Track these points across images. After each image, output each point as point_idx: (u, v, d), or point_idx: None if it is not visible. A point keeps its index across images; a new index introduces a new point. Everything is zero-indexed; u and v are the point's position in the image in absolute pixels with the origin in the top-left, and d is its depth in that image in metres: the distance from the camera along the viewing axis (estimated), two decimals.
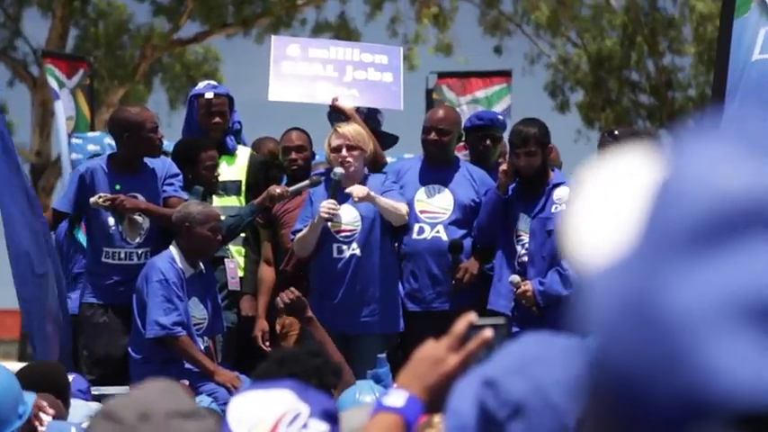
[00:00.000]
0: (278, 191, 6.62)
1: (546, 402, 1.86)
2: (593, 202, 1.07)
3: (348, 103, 7.00)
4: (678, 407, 0.88)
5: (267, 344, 6.77)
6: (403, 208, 6.57)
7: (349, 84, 7.10)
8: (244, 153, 7.22)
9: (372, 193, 6.46)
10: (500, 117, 7.26)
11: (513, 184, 6.62)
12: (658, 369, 0.89)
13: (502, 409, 1.86)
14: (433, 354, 2.15)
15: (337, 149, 6.56)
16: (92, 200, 6.44)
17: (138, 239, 6.61)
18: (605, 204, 1.06)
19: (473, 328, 2.14)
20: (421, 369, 2.13)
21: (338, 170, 6.49)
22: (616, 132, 7.04)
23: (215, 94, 7.08)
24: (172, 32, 21.00)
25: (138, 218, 6.57)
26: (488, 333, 2.12)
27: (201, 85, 7.37)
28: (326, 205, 6.42)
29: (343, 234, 6.54)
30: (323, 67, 7.14)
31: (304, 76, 7.11)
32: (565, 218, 1.05)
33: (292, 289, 5.62)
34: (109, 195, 6.43)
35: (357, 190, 6.43)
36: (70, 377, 5.52)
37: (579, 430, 1.84)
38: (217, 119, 7.04)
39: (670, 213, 0.92)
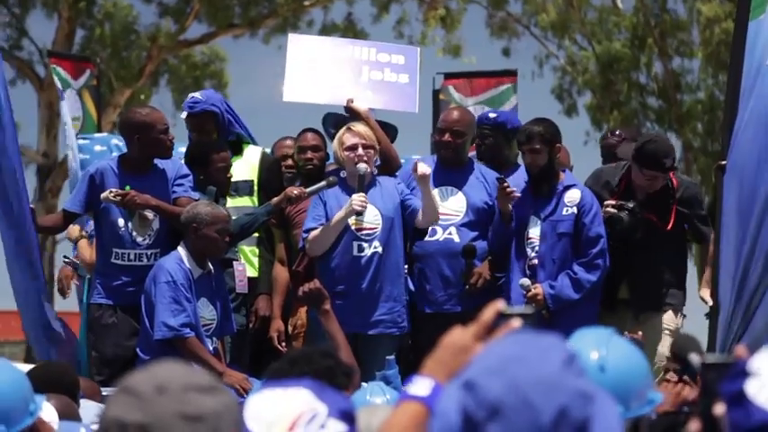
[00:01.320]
0: (295, 192, 6.60)
1: (523, 401, 1.88)
2: None
3: (363, 104, 6.98)
4: None
5: (283, 344, 6.75)
6: (437, 211, 6.55)
7: (364, 84, 7.08)
8: (254, 153, 7.20)
9: (429, 185, 6.45)
10: (491, 115, 7.13)
11: (524, 186, 6.61)
12: None
13: (480, 409, 1.88)
14: (459, 342, 2.13)
15: (353, 148, 6.54)
16: (103, 195, 6.44)
17: (147, 240, 6.59)
18: None
19: (501, 317, 2.12)
20: (447, 357, 2.12)
21: (362, 166, 6.48)
22: (617, 132, 6.99)
23: (188, 115, 7.07)
24: (178, 33, 20.99)
25: (149, 214, 6.55)
26: (516, 323, 2.10)
27: (188, 98, 7.31)
28: (359, 198, 6.41)
29: (364, 232, 6.52)
30: (338, 67, 7.11)
31: (319, 76, 7.08)
32: None
33: (315, 281, 5.63)
34: (120, 191, 6.43)
35: (423, 167, 6.39)
36: None
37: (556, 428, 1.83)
38: (195, 135, 7.03)
39: None
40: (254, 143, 7.33)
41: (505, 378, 1.89)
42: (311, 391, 2.41)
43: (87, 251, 7.33)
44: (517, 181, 6.69)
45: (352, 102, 6.94)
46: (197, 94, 7.30)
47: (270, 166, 7.20)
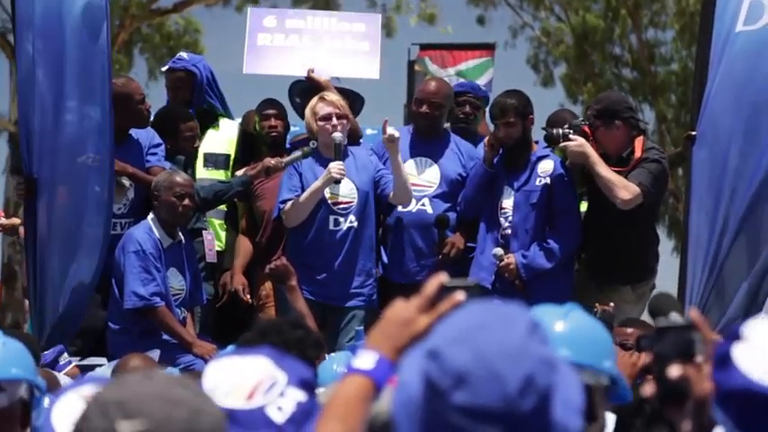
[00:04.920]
0: (272, 162, 6.56)
1: (489, 370, 1.87)
2: None
3: (323, 73, 6.95)
4: None
5: (248, 296, 6.70)
6: (411, 191, 6.54)
7: (325, 53, 7.05)
8: (232, 127, 7.16)
9: (399, 155, 6.42)
10: (482, 87, 7.28)
11: (498, 157, 6.60)
12: None
13: (445, 378, 1.87)
14: (403, 314, 2.13)
15: (327, 118, 6.51)
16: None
17: (122, 209, 6.57)
18: None
19: (444, 290, 2.12)
20: (391, 330, 2.12)
21: (337, 135, 6.45)
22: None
23: (169, 69, 7.11)
24: (151, 2, 20.83)
25: (125, 182, 6.52)
26: (460, 296, 2.10)
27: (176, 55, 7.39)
28: (336, 166, 6.39)
29: (340, 206, 6.50)
30: (299, 39, 7.10)
31: (279, 48, 7.06)
32: None
33: (282, 258, 5.62)
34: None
35: (392, 129, 6.36)
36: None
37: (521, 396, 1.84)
38: (170, 92, 7.07)
39: None
40: (230, 117, 7.29)
41: (471, 347, 1.88)
42: (271, 360, 2.41)
43: None
44: (475, 149, 6.71)
45: (313, 71, 6.91)
46: (184, 54, 7.38)
47: (246, 142, 7.18)
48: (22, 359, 3.15)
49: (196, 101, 7.06)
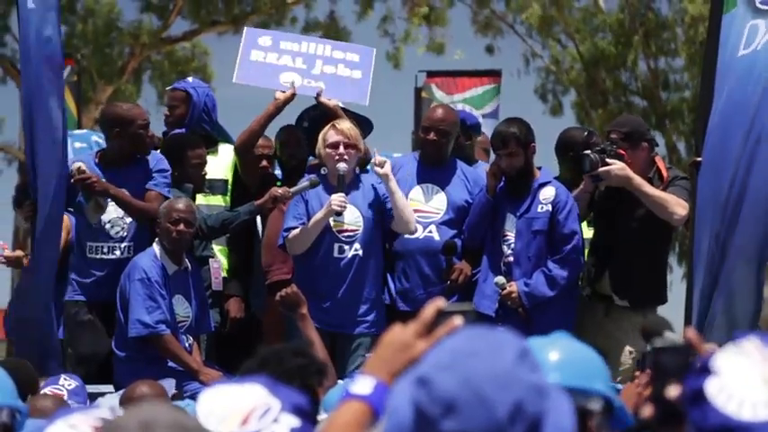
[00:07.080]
0: (279, 192, 6.56)
1: (477, 396, 1.86)
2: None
3: (313, 93, 6.95)
4: None
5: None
6: (412, 220, 6.53)
7: (317, 76, 7.05)
8: (230, 152, 7.16)
9: (393, 182, 6.43)
10: (480, 114, 7.32)
11: (501, 185, 6.59)
12: None
13: (434, 406, 1.87)
14: (400, 340, 2.13)
15: (335, 146, 6.51)
16: (75, 165, 6.38)
17: (121, 233, 6.56)
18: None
19: (441, 315, 2.12)
20: (388, 355, 2.12)
21: (342, 166, 6.45)
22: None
23: (172, 88, 7.22)
24: (161, 30, 20.93)
25: (102, 201, 6.52)
26: (458, 320, 2.10)
27: None
28: (337, 199, 6.39)
29: (345, 234, 6.50)
30: (292, 60, 7.10)
31: (272, 63, 7.07)
32: None
33: (293, 285, 5.63)
34: (86, 174, 6.37)
35: (383, 161, 6.38)
36: (69, 380, 5.52)
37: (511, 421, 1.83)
38: (169, 111, 7.16)
39: None
40: (232, 142, 7.31)
41: (459, 373, 1.88)
42: (265, 387, 2.41)
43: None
44: (481, 175, 6.71)
45: (320, 95, 6.90)
46: (190, 78, 7.54)
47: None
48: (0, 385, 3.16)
49: (189, 122, 7.07)
